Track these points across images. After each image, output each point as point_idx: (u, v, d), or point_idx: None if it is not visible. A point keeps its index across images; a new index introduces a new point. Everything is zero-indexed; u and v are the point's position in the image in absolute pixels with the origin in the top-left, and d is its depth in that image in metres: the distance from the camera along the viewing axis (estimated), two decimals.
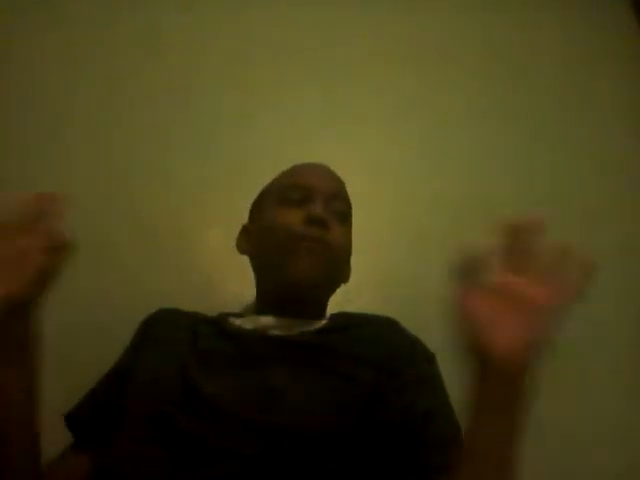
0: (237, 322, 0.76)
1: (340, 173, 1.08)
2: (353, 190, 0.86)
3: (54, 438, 0.72)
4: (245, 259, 0.84)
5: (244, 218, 0.88)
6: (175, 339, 0.73)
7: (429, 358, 0.73)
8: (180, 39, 1.26)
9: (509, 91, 1.31)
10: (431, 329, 0.75)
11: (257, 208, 0.85)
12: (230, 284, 1.04)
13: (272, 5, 1.32)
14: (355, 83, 1.28)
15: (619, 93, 1.33)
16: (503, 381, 0.45)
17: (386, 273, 1.07)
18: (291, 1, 1.33)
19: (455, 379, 0.70)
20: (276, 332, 0.71)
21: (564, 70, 1.35)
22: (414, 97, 1.28)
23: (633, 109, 1.31)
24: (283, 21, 1.31)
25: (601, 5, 1.42)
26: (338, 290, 0.83)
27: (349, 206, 0.82)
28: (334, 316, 0.78)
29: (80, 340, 0.93)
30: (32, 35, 1.19)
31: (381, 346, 0.70)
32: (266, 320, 0.74)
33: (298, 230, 0.72)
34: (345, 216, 0.79)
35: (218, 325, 0.75)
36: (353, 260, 0.85)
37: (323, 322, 0.75)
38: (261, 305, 0.80)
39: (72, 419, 0.73)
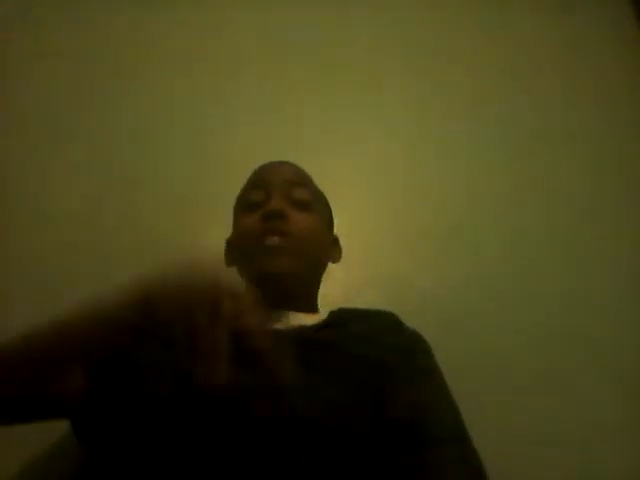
0: None
1: (339, 173, 1.08)
2: (352, 189, 0.86)
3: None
4: None
5: None
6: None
7: (428, 351, 0.73)
8: (178, 41, 1.27)
9: (510, 91, 1.31)
10: (429, 327, 0.75)
11: (233, 220, 0.87)
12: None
13: (273, 4, 1.33)
14: (356, 84, 1.28)
15: (620, 93, 1.33)
16: None
17: (386, 272, 1.07)
18: (293, 1, 1.34)
19: (449, 374, 0.71)
20: (275, 326, 0.70)
21: (565, 69, 1.35)
22: (414, 97, 1.28)
23: (635, 108, 1.31)
24: (284, 21, 1.31)
25: (601, 4, 1.42)
26: (338, 288, 0.83)
27: (311, 194, 0.82)
28: (333, 312, 0.78)
29: None
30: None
31: (380, 341, 0.69)
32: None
33: (257, 229, 0.75)
34: (306, 204, 0.80)
35: None
36: (353, 258, 0.85)
37: (321, 318, 0.75)
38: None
39: None
